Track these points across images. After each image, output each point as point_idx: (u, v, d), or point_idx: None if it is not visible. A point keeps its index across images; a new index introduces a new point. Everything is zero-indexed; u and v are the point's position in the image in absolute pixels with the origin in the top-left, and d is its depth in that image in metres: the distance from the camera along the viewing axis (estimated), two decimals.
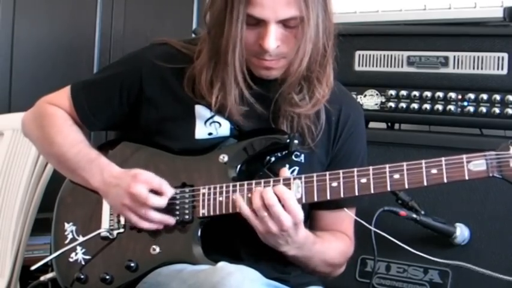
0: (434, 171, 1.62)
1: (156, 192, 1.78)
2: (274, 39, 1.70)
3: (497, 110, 2.25)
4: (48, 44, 3.31)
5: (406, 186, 1.64)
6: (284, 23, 1.70)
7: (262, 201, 1.68)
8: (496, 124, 2.27)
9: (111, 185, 1.82)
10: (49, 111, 1.96)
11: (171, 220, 1.79)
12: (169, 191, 1.79)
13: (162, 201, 1.78)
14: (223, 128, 1.84)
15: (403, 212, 2.18)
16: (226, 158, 1.79)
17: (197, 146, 1.83)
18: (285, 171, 1.77)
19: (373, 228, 1.98)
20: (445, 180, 1.62)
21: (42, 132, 1.96)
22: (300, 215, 1.69)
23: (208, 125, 1.84)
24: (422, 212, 2.21)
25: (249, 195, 1.72)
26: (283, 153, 1.82)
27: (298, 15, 1.69)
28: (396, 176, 1.65)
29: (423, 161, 1.63)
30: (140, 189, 1.76)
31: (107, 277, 1.82)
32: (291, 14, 1.68)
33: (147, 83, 1.86)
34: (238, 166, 1.79)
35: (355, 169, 1.68)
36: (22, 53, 3.22)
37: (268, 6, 1.67)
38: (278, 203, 1.67)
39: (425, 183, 1.63)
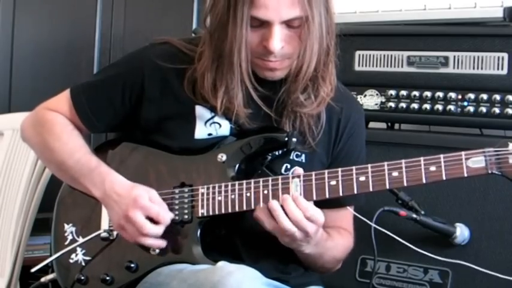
0: (433, 168, 1.61)
1: (153, 220, 1.77)
2: (279, 40, 1.69)
3: (497, 110, 2.25)
4: (48, 44, 3.31)
5: (405, 184, 1.63)
6: (288, 24, 1.70)
7: (289, 218, 1.67)
8: (496, 124, 2.26)
9: (111, 198, 1.80)
10: (48, 117, 1.94)
11: (162, 244, 1.78)
12: (166, 219, 1.77)
13: (158, 230, 1.77)
14: (223, 128, 1.83)
15: (403, 212, 2.18)
16: (224, 157, 1.79)
17: (196, 145, 1.83)
18: (299, 170, 1.76)
19: (373, 225, 1.98)
20: (444, 178, 1.61)
21: (41, 139, 1.94)
22: (322, 219, 1.70)
23: (208, 126, 1.83)
24: (422, 212, 2.21)
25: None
26: (282, 151, 1.82)
27: (303, 15, 1.68)
28: (395, 173, 1.64)
29: (422, 158, 1.62)
30: (137, 216, 1.75)
31: (107, 278, 1.82)
32: (295, 14, 1.68)
33: (148, 82, 1.86)
34: (237, 165, 1.79)
35: (354, 167, 1.68)
36: (22, 53, 3.23)
37: (272, 7, 1.67)
38: (304, 218, 1.66)
39: (424, 181, 1.62)
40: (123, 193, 1.79)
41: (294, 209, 1.67)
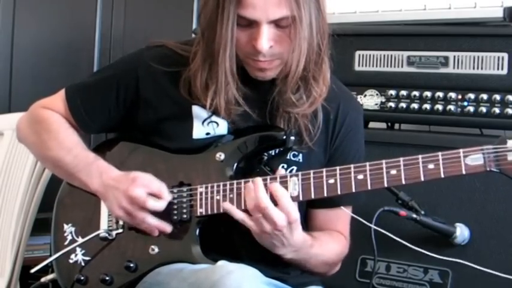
0: (431, 166, 1.61)
1: (154, 195, 1.78)
2: (266, 39, 1.69)
3: (497, 110, 2.25)
4: (48, 44, 3.31)
5: (403, 182, 1.63)
6: (276, 23, 1.69)
7: (255, 202, 1.67)
8: (496, 124, 2.26)
9: (109, 187, 1.81)
10: (44, 115, 1.95)
11: (167, 228, 1.79)
12: (168, 195, 1.79)
13: (161, 205, 1.78)
14: (220, 127, 1.83)
15: (403, 212, 2.18)
16: (222, 156, 1.79)
17: (195, 145, 1.83)
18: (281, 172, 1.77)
19: (373, 226, 1.98)
20: (442, 175, 1.60)
21: (38, 137, 1.95)
22: (294, 213, 1.68)
23: (206, 125, 1.83)
24: (422, 212, 2.21)
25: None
26: (280, 149, 1.81)
27: (290, 15, 1.68)
28: (393, 171, 1.64)
29: (420, 156, 1.62)
30: (139, 192, 1.76)
31: (107, 278, 1.82)
32: (282, 14, 1.67)
33: (143, 84, 1.86)
34: (235, 164, 1.79)
35: (352, 165, 1.67)
36: (22, 53, 3.23)
37: (259, 7, 1.66)
38: (271, 203, 1.67)
39: (422, 179, 1.61)
40: (121, 178, 1.80)
41: (263, 194, 1.67)
